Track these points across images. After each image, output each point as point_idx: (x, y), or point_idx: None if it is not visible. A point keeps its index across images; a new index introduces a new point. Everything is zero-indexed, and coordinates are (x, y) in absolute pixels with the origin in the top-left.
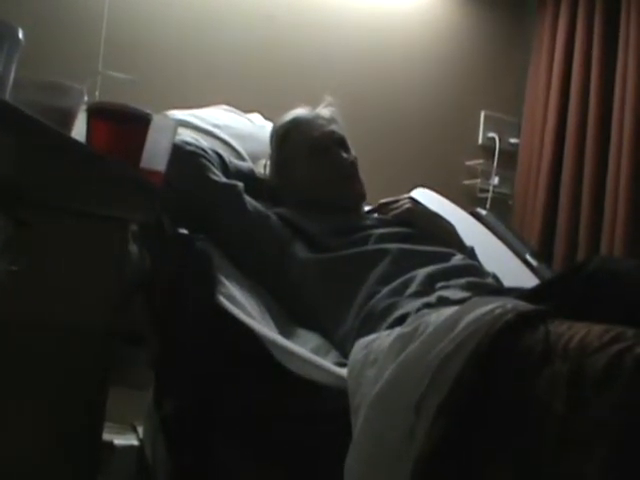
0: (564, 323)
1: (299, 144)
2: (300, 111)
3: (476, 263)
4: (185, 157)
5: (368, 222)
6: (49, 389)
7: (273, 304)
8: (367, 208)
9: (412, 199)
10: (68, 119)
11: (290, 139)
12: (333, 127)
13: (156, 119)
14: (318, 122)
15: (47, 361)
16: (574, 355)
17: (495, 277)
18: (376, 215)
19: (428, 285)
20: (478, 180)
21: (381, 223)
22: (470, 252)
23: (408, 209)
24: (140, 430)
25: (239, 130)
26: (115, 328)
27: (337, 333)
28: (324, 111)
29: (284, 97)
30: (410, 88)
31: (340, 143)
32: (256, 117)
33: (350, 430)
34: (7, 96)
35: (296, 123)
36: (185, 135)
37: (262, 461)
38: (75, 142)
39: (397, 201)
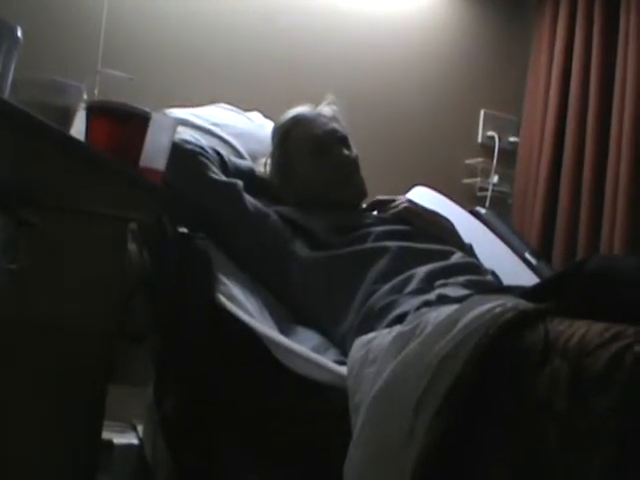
0: (564, 321)
1: (300, 142)
2: (302, 109)
3: (475, 261)
4: (184, 156)
5: (368, 220)
6: (48, 387)
7: (273, 302)
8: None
9: (409, 200)
10: (67, 117)
11: (291, 137)
12: (335, 125)
13: (155, 117)
14: (320, 120)
15: (46, 359)
16: (574, 353)
17: (494, 274)
18: (375, 213)
19: (427, 283)
20: (477, 179)
21: (381, 221)
22: (469, 250)
23: (406, 208)
24: (140, 429)
25: (238, 129)
26: (115, 326)
27: (337, 331)
28: (326, 109)
29: (284, 96)
30: (409, 87)
31: (342, 141)
32: (256, 115)
33: (350, 429)
34: (6, 95)
35: (298, 121)
36: (184, 134)
37: (262, 459)
38: (74, 140)
39: (394, 200)
